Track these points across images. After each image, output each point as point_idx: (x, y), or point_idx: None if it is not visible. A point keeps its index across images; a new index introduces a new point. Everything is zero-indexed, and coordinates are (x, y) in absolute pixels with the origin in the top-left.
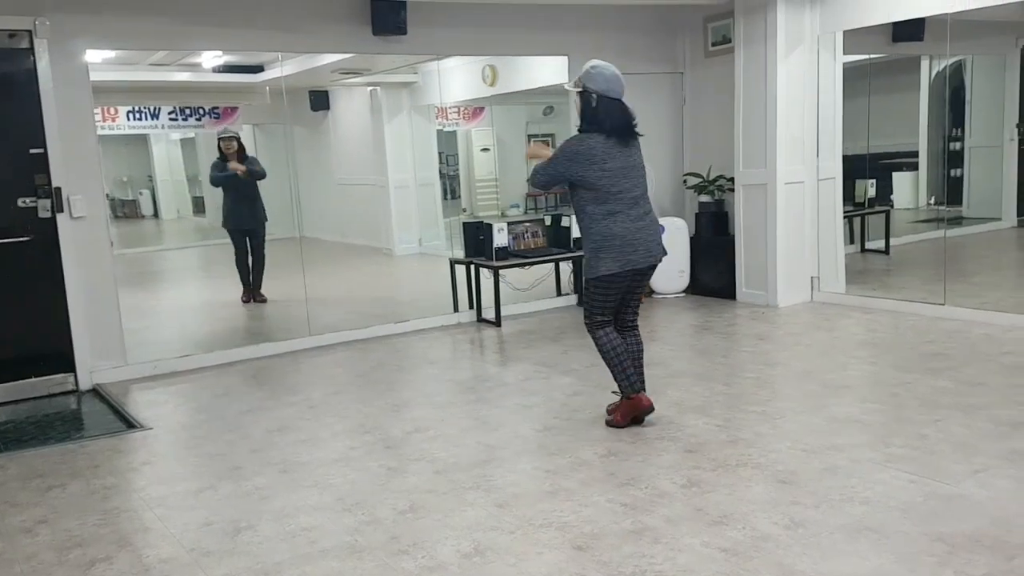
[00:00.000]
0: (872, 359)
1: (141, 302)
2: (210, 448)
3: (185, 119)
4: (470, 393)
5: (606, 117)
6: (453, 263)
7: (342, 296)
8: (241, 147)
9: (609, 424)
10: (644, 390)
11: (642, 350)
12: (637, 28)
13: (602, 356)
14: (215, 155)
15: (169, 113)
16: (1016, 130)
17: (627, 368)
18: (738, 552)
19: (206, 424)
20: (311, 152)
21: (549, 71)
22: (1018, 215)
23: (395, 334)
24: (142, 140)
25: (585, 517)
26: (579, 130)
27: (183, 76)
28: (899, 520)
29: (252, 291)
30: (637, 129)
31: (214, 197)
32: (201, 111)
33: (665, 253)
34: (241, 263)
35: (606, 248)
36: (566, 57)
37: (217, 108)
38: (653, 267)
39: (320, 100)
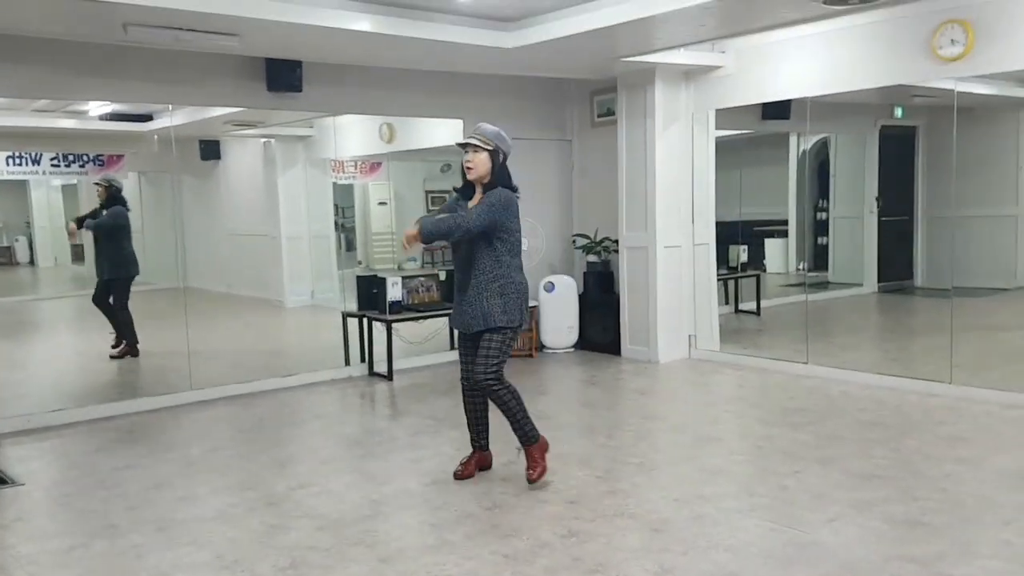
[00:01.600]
0: (741, 413)
1: (13, 353)
2: (83, 505)
3: (68, 165)
4: (357, 448)
5: (510, 177)
6: (346, 316)
7: (227, 349)
8: (110, 195)
9: (534, 480)
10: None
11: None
12: (529, 96)
13: (511, 409)
14: (97, 202)
15: (51, 159)
16: (875, 203)
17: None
18: None
19: (80, 480)
20: (200, 202)
21: (446, 131)
22: (878, 281)
23: (282, 388)
24: (21, 185)
25: (468, 570)
26: (488, 185)
27: (68, 123)
28: (759, 566)
29: (117, 343)
30: None
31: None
32: (85, 158)
33: None
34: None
35: (520, 298)
36: (461, 120)
37: (102, 155)
38: None
39: (211, 150)
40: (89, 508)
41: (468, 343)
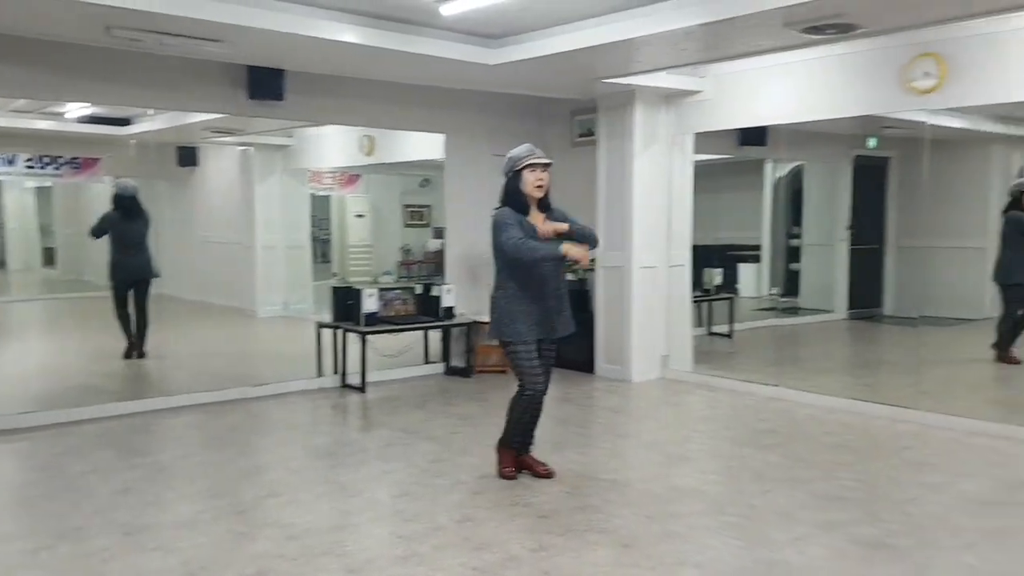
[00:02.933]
0: (712, 433)
1: None
2: (50, 508)
3: (43, 167)
4: (328, 458)
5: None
6: (320, 327)
7: (199, 357)
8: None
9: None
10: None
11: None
12: (511, 114)
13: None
14: (70, 204)
15: (26, 160)
16: (846, 231)
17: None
18: None
19: (47, 483)
20: (175, 208)
21: (426, 145)
22: (848, 308)
23: (253, 397)
24: None
25: None
26: (544, 201)
27: (44, 124)
28: None
29: (137, 345)
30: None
31: (68, 249)
32: (61, 160)
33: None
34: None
35: None
36: (443, 135)
37: (77, 158)
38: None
39: (188, 156)
40: (56, 511)
41: (546, 352)
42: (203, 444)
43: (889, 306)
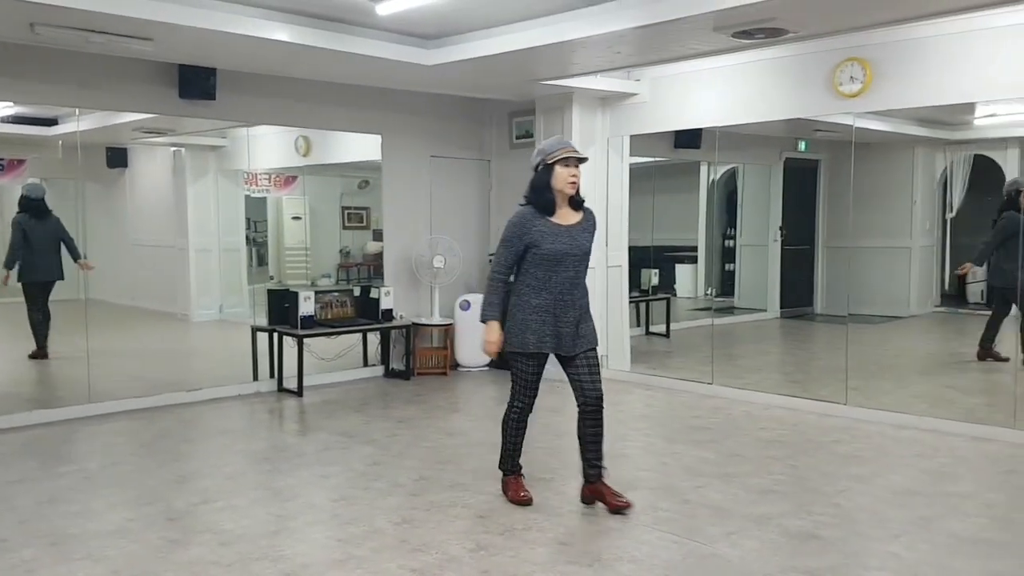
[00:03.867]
0: (648, 431)
1: None
2: None
3: None
4: (264, 464)
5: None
6: (255, 330)
7: (129, 362)
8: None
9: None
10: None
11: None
12: (449, 115)
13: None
14: None
15: None
16: (779, 232)
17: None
18: None
19: None
20: (104, 210)
21: (364, 146)
22: (781, 307)
23: (186, 403)
24: None
25: None
26: (575, 199)
27: None
28: None
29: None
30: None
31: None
32: None
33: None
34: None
35: None
36: (379, 136)
37: (2, 159)
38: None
39: (118, 157)
40: None
41: (584, 359)
42: (133, 451)
43: (820, 305)
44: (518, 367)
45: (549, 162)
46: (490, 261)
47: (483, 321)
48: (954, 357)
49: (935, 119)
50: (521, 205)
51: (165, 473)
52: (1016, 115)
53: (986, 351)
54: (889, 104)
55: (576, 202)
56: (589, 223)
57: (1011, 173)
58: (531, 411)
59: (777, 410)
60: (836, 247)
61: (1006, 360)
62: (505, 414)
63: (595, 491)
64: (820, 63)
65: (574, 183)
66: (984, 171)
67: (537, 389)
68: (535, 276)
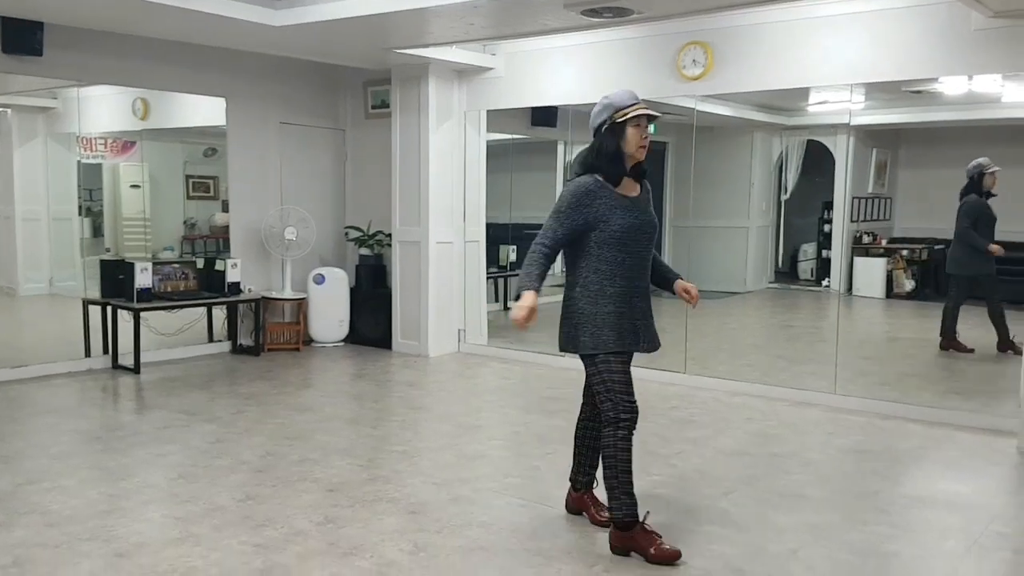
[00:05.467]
0: (502, 403)
1: None
2: None
3: None
4: (96, 443)
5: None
6: (87, 304)
7: None
8: None
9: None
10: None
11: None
12: (300, 81)
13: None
14: None
15: None
16: None
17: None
18: None
19: None
20: None
21: (208, 111)
22: None
23: (11, 380)
24: None
25: (213, 561)
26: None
27: None
28: (507, 539)
29: None
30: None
31: None
32: None
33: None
34: None
35: None
36: (224, 99)
37: None
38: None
39: None
40: None
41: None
42: None
43: None
44: (609, 371)
45: (619, 120)
46: (346, 234)
47: (520, 292)
48: (784, 329)
49: (772, 105)
50: (578, 175)
51: None
52: (845, 103)
53: (950, 341)
54: (729, 88)
55: (638, 170)
56: (649, 194)
57: (840, 158)
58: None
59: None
60: (680, 227)
61: (971, 352)
62: (606, 437)
63: (581, 501)
64: (666, 46)
65: (645, 147)
66: (816, 155)
67: (633, 391)
68: (606, 260)
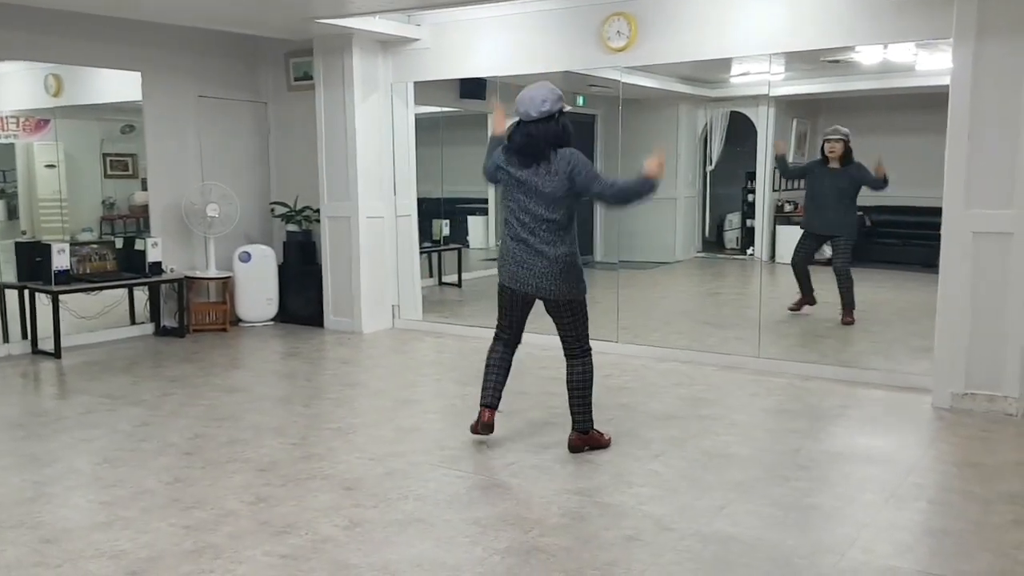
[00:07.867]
0: (438, 376)
1: None
2: None
3: None
4: (18, 430)
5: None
6: (3, 288)
7: None
8: None
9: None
10: (495, 406)
11: (574, 381)
12: (217, 53)
13: None
14: None
15: None
16: None
17: (485, 378)
18: (298, 556)
19: None
20: None
21: (123, 86)
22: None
23: None
24: None
25: (143, 543)
26: None
27: None
28: (444, 510)
29: None
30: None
31: None
32: None
33: (549, 295)
34: None
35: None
36: (139, 73)
37: None
38: (528, 296)
39: None
40: None
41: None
42: None
43: (599, 253)
44: (586, 311)
45: (566, 109)
46: (272, 210)
47: (648, 183)
48: (711, 297)
49: (696, 77)
50: (554, 149)
51: None
52: (765, 74)
53: (805, 300)
54: (653, 59)
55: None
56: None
57: (763, 129)
58: None
59: (556, 351)
60: None
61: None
62: (587, 367)
63: (493, 417)
64: (590, 16)
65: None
66: (739, 126)
67: None
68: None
